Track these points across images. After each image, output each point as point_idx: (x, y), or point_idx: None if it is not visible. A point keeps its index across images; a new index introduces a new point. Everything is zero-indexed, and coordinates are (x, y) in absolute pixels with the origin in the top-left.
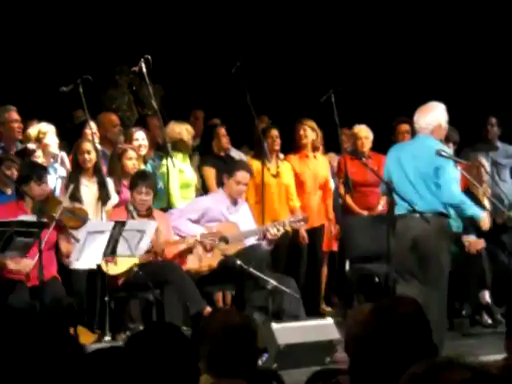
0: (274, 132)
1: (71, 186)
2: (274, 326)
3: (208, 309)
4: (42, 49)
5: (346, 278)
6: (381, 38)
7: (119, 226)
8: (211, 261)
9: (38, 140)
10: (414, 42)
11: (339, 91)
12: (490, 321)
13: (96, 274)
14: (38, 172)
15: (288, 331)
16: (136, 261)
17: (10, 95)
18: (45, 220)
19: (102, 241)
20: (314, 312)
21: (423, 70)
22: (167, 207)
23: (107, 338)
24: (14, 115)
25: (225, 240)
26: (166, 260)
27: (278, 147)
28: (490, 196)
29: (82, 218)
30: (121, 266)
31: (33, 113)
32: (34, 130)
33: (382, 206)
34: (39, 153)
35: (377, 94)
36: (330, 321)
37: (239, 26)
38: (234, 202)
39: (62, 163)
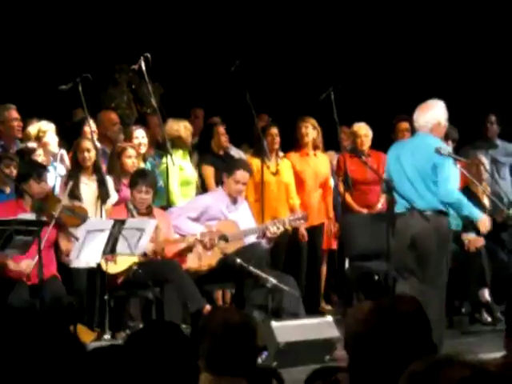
0: (274, 130)
1: (70, 184)
2: (274, 324)
3: (208, 307)
4: (41, 47)
5: (345, 276)
6: (380, 35)
7: (119, 224)
8: (211, 259)
9: (38, 138)
10: (413, 39)
11: (339, 89)
12: (489, 319)
13: (96, 273)
14: (38, 170)
15: (287, 329)
16: (136, 259)
17: (10, 94)
18: (44, 218)
19: (102, 239)
20: (313, 310)
21: (423, 67)
22: (167, 205)
23: (107, 337)
24: (14, 114)
25: (224, 238)
26: (166, 258)
27: (277, 145)
28: (490, 194)
29: (81, 217)
30: (120, 264)
31: (32, 111)
32: (33, 128)
33: (381, 204)
34: (40, 151)
35: (376, 91)
36: (329, 319)
37: (239, 24)
38: (234, 201)
39: (62, 161)
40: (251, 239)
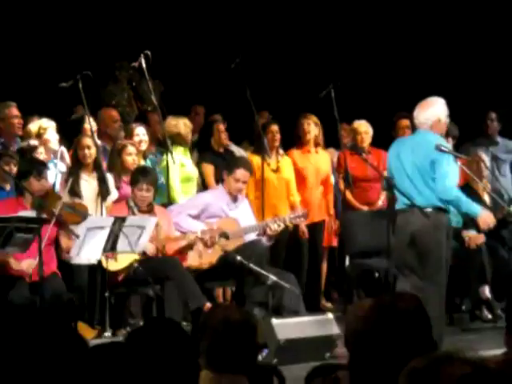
0: (274, 127)
1: (70, 181)
2: (274, 321)
3: (208, 304)
4: (41, 45)
5: (345, 274)
6: (381, 33)
7: (119, 221)
8: (211, 257)
9: (39, 136)
10: (414, 37)
11: (339, 86)
12: (489, 316)
13: (96, 270)
14: (38, 167)
15: (288, 326)
16: (136, 256)
17: (10, 91)
18: (44, 216)
19: (102, 236)
20: (313, 307)
21: (423, 65)
22: (168, 202)
23: (107, 334)
24: (14, 111)
25: (225, 236)
26: (166, 256)
27: (277, 142)
28: (490, 191)
29: (81, 214)
30: (121, 261)
31: (33, 109)
32: (34, 125)
33: (381, 201)
34: (41, 149)
35: (377, 89)
36: (329, 316)
37: (239, 22)
38: (234, 199)
39: (62, 158)
40: (251, 237)
